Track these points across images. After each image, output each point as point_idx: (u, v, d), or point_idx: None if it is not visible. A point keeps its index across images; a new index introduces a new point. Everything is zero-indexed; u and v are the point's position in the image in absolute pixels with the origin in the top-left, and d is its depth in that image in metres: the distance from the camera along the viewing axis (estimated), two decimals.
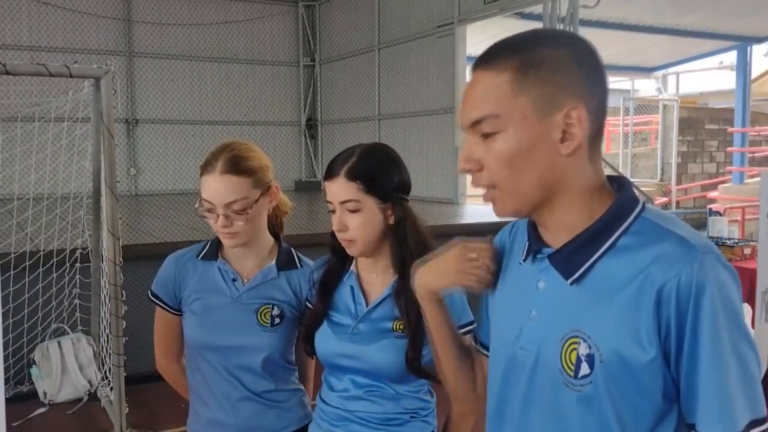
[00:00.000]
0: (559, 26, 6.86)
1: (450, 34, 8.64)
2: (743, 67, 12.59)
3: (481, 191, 1.04)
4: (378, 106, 10.25)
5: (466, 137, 1.01)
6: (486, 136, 0.98)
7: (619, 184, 1.04)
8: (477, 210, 8.20)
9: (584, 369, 0.95)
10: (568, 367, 0.97)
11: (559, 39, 1.00)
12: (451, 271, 1.15)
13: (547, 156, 0.97)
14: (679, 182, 12.07)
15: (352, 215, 1.54)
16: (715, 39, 11.85)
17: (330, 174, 1.56)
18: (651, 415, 0.94)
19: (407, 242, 1.56)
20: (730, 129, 12.64)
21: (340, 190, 1.53)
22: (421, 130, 9.22)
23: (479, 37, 9.61)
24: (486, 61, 1.00)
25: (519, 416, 1.05)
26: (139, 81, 10.74)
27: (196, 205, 1.72)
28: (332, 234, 1.62)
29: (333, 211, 1.56)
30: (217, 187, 1.66)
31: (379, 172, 1.55)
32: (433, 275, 1.19)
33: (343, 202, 1.53)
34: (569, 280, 0.99)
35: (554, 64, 0.96)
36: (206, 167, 1.70)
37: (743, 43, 12.31)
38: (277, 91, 11.83)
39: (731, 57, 14.01)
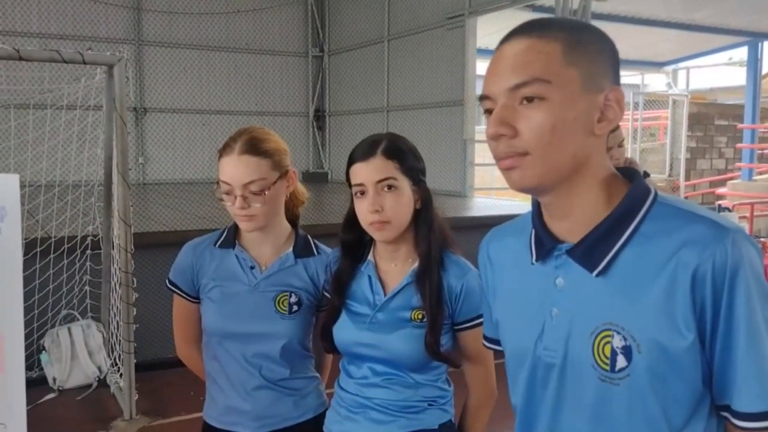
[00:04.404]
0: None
1: (460, 25, 8.60)
2: (754, 63, 12.55)
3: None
4: (387, 98, 10.22)
5: (500, 101, 0.97)
6: (529, 100, 0.94)
7: (628, 173, 1.03)
8: (485, 203, 8.21)
9: (621, 361, 0.94)
10: (603, 362, 0.95)
11: (594, 28, 1.02)
12: None
13: (583, 133, 0.96)
14: (687, 178, 12.01)
15: (389, 194, 1.53)
16: (726, 34, 11.79)
17: (364, 155, 1.54)
18: (691, 400, 0.94)
19: (433, 227, 1.58)
20: (739, 125, 12.58)
21: (377, 168, 1.53)
22: (430, 122, 9.19)
23: (490, 29, 9.56)
24: (532, 28, 0.98)
25: (551, 416, 1.03)
26: (148, 70, 10.74)
27: (214, 188, 1.72)
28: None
29: (362, 194, 1.54)
30: (235, 168, 1.67)
31: (410, 154, 1.58)
32: None
33: (380, 181, 1.52)
34: (594, 273, 0.97)
35: (598, 46, 0.98)
36: (225, 150, 1.71)
37: (754, 39, 12.25)
38: (286, 81, 11.81)
39: (741, 53, 13.94)
